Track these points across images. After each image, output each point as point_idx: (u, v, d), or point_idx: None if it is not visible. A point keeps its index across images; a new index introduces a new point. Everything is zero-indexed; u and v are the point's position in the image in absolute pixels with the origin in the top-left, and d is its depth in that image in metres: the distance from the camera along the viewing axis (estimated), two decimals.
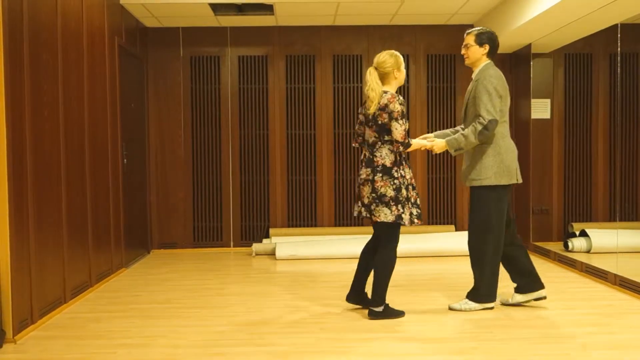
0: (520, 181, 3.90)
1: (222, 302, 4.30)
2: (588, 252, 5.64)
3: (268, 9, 5.91)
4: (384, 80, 3.78)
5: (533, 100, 6.17)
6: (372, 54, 6.64)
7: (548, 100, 6.25)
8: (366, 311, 3.92)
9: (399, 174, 3.68)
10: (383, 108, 3.66)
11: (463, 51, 3.93)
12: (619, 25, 4.75)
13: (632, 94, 5.24)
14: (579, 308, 3.99)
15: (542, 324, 3.66)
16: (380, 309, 3.77)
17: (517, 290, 4.02)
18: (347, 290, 4.12)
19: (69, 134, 4.28)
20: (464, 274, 5.29)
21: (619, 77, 4.94)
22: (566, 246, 5.80)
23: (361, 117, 3.86)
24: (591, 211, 6.20)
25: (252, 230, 6.72)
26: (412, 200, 3.74)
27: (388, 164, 3.68)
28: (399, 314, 3.84)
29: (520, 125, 6.46)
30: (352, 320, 3.78)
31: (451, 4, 5.80)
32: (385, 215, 3.66)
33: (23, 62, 3.61)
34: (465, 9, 5.98)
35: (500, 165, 3.77)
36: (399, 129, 3.64)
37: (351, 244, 6.04)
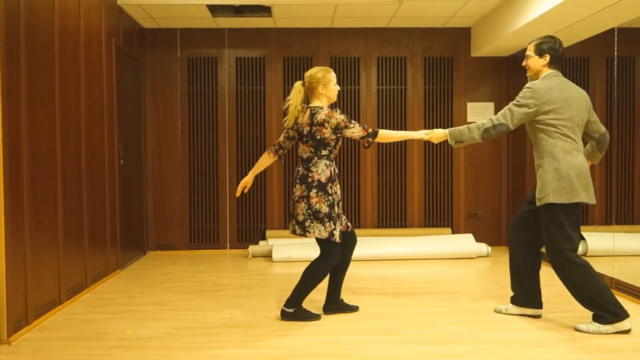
0: (592, 202, 3.51)
1: (218, 304, 4.29)
2: (584, 255, 5.64)
3: (266, 10, 5.91)
4: (313, 95, 3.77)
5: None
6: (369, 56, 6.64)
7: None
8: (362, 313, 3.93)
9: (333, 191, 3.67)
10: (321, 123, 3.64)
11: (524, 62, 3.73)
12: (615, 29, 4.76)
13: (628, 98, 5.25)
14: (575, 311, 3.99)
15: (538, 327, 3.66)
16: (291, 310, 3.78)
17: (514, 301, 3.91)
18: (344, 293, 4.12)
19: (66, 135, 4.28)
20: (462, 277, 5.29)
21: (616, 81, 4.95)
22: None
23: (291, 132, 3.81)
24: (587, 214, 6.21)
25: (249, 232, 6.71)
26: (343, 216, 3.76)
27: (323, 179, 3.65)
28: (313, 317, 3.81)
29: (518, 129, 6.47)
30: (347, 323, 3.78)
31: (448, 7, 5.81)
32: (320, 231, 3.62)
33: (20, 63, 3.60)
34: (463, 12, 5.98)
35: (560, 182, 3.45)
36: (356, 130, 3.66)
37: None
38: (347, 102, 6.68)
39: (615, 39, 4.78)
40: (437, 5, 5.78)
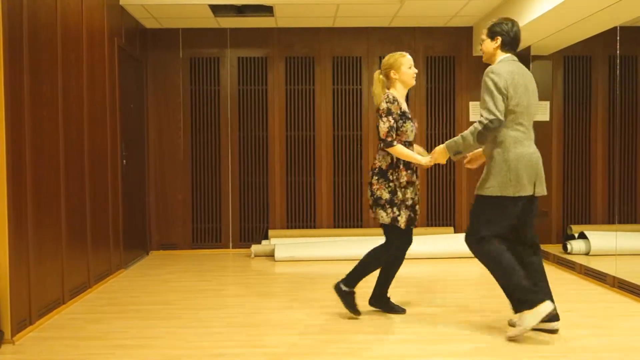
0: (541, 193, 3.40)
1: (221, 304, 4.30)
2: (587, 254, 5.64)
3: (268, 10, 5.92)
4: (389, 81, 3.82)
5: None
6: (371, 55, 6.64)
7: (547, 103, 6.25)
8: (364, 313, 3.93)
9: (394, 177, 3.69)
10: (378, 109, 3.71)
11: (480, 47, 3.57)
12: (618, 27, 4.76)
13: (631, 97, 5.25)
14: (577, 310, 3.99)
15: None
16: (346, 289, 3.83)
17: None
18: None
19: (68, 135, 4.28)
20: (464, 276, 5.29)
21: (618, 80, 4.95)
22: (565, 248, 5.81)
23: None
24: (590, 213, 6.21)
25: (251, 231, 6.72)
26: (408, 203, 3.72)
27: (384, 166, 3.71)
28: (354, 311, 3.83)
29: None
30: (350, 322, 3.78)
31: (450, 6, 5.81)
32: (382, 217, 3.69)
33: (22, 63, 3.61)
34: (465, 11, 5.99)
35: (507, 175, 3.32)
36: (381, 126, 3.67)
37: (350, 245, 6.03)
38: (348, 102, 6.68)
39: (618, 38, 4.78)
40: (439, 5, 5.78)
